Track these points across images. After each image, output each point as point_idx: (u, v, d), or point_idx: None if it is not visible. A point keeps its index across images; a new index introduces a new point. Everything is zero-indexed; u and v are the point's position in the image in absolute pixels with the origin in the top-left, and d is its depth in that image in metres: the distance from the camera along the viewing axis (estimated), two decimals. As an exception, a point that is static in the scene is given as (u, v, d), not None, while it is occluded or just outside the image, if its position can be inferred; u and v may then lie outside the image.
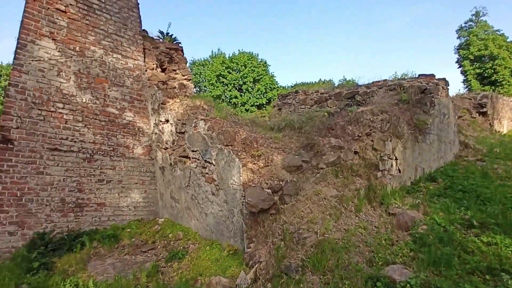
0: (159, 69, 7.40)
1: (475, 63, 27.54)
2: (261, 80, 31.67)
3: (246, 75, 31.37)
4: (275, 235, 4.14)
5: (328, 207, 4.47)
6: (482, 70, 26.80)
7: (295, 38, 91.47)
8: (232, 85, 31.55)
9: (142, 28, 7.86)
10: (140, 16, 7.10)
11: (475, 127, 12.86)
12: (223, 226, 5.21)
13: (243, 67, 31.64)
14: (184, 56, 8.10)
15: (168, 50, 7.66)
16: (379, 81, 8.91)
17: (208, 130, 5.36)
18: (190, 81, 7.93)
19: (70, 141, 6.02)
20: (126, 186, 6.76)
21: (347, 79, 39.69)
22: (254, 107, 30.47)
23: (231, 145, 4.95)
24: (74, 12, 6.09)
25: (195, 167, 5.75)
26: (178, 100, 6.55)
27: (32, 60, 5.63)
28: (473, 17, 28.70)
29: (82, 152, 6.16)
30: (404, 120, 6.92)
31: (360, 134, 5.96)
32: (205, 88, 33.77)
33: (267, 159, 4.81)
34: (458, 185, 6.47)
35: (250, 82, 31.28)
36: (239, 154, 4.82)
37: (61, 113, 5.93)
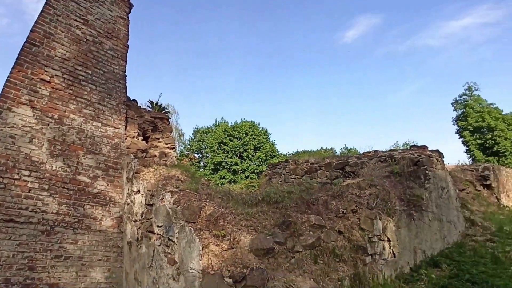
0: (140, 137, 7.27)
1: (475, 134, 27.59)
2: (261, 147, 32.05)
3: (247, 142, 31.89)
4: None
5: (300, 303, 3.73)
6: (483, 141, 26.68)
7: (300, 108, 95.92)
8: (233, 152, 31.86)
9: (132, 98, 8.05)
10: (126, 87, 7.25)
11: (481, 201, 12.03)
12: (181, 321, 4.37)
13: (244, 135, 32.34)
14: (169, 125, 8.09)
15: (152, 119, 7.65)
16: (369, 152, 8.59)
17: (173, 204, 4.88)
18: (173, 150, 7.74)
19: (30, 211, 5.56)
20: (87, 263, 6.04)
21: (349, 148, 40.01)
22: (254, 174, 30.22)
23: (194, 222, 4.43)
24: (59, 82, 6.21)
25: (159, 245, 5.13)
26: (153, 169, 6.22)
27: (5, 127, 5.53)
28: (467, 91, 29.66)
29: (41, 224, 5.64)
30: (395, 195, 6.39)
31: (345, 211, 5.40)
32: (207, 155, 34.15)
33: (233, 240, 4.23)
34: (465, 274, 5.63)
35: (251, 149, 31.64)
36: (202, 233, 4.26)
37: (26, 181, 5.60)
